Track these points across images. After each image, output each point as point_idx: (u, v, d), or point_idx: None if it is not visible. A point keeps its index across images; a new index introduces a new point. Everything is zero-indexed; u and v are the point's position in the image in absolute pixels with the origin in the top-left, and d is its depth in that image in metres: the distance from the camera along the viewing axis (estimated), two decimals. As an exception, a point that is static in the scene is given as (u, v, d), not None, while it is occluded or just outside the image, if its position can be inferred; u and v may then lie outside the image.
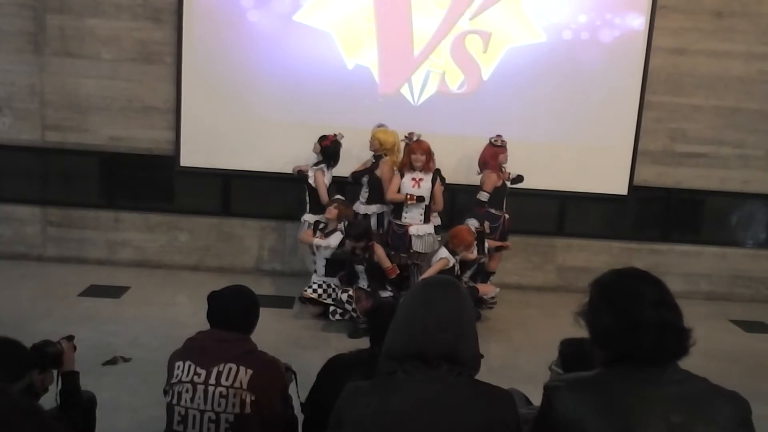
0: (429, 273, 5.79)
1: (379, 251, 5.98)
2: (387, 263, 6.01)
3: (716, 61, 7.28)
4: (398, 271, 6.09)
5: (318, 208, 6.37)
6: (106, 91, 7.10)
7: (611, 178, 7.38)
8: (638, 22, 7.16)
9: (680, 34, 7.22)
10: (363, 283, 6.04)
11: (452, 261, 5.97)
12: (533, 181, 6.89)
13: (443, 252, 6.01)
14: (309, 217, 6.47)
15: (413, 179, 6.20)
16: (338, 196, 6.41)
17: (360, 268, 6.03)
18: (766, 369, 5.54)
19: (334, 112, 7.05)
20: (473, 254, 6.15)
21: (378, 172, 6.37)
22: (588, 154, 7.29)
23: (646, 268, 6.59)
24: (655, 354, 1.84)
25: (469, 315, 2.00)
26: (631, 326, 1.86)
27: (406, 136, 6.33)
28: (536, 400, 3.06)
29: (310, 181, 6.40)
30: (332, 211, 6.11)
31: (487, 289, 6.38)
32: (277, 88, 7.07)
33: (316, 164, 6.42)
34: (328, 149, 6.38)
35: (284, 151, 6.91)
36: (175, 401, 2.82)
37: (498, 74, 7.15)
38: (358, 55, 7.08)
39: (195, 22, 6.98)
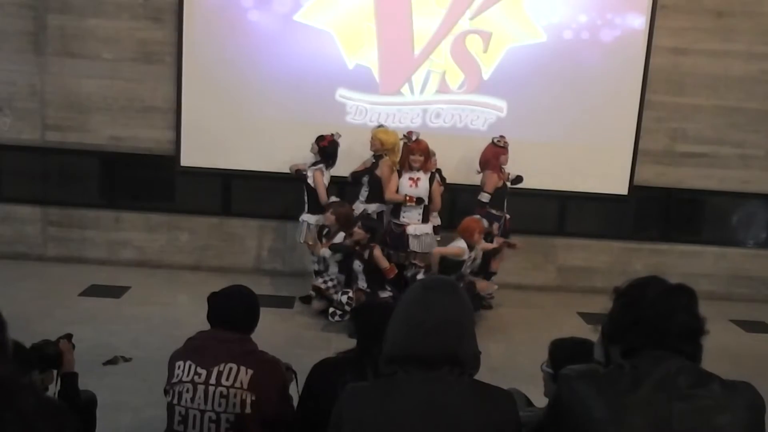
0: (444, 250, 5.94)
1: (377, 252, 5.98)
2: (384, 264, 6.01)
3: (717, 60, 7.28)
4: (396, 272, 6.08)
5: (317, 208, 6.37)
6: (106, 91, 7.10)
7: (612, 178, 7.38)
8: (639, 21, 7.16)
9: (681, 33, 7.22)
10: (362, 283, 6.04)
11: (467, 254, 5.96)
12: (534, 181, 6.89)
13: (461, 242, 6.01)
14: (308, 218, 6.47)
15: (411, 179, 6.19)
16: (333, 199, 6.39)
17: (358, 267, 6.02)
18: (767, 369, 5.55)
19: (334, 112, 7.06)
20: (482, 242, 6.15)
21: (378, 172, 6.37)
22: (588, 154, 7.29)
23: (646, 268, 6.65)
24: (661, 333, 1.86)
25: (468, 315, 2.00)
26: (643, 305, 1.92)
27: (404, 135, 6.33)
28: (536, 399, 3.07)
29: (309, 181, 6.39)
30: (330, 217, 6.09)
31: (485, 286, 6.38)
32: (277, 88, 7.08)
33: (314, 164, 6.41)
34: (327, 149, 6.38)
35: (284, 151, 6.91)
36: (175, 401, 2.82)
37: (498, 74, 7.15)
38: (358, 54, 7.08)
39: (195, 22, 6.99)
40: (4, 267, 6.92)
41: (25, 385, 1.77)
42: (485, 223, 6.20)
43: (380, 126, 6.59)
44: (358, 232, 5.94)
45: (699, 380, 1.85)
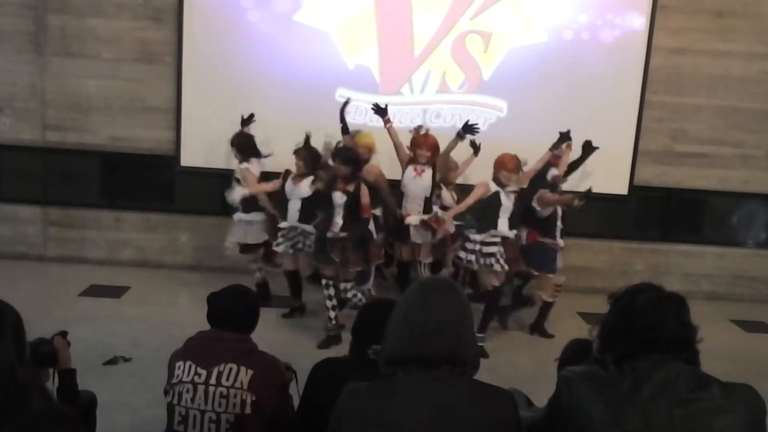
0: (467, 201, 5.71)
1: (364, 190, 5.63)
2: (366, 199, 5.62)
3: (717, 60, 7.28)
4: (372, 212, 5.76)
5: (250, 206, 6.21)
6: (106, 91, 7.11)
7: (612, 178, 7.37)
8: (639, 22, 7.16)
9: (681, 33, 7.22)
10: (338, 219, 5.63)
11: (494, 187, 5.67)
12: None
13: (487, 181, 5.73)
14: (241, 216, 6.27)
15: (415, 169, 6.00)
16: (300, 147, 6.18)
17: (339, 200, 5.61)
18: (767, 369, 5.56)
19: (334, 112, 7.04)
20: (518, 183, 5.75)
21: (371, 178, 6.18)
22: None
23: (647, 268, 6.62)
24: (650, 342, 1.86)
25: (468, 315, 1.99)
26: (636, 313, 1.92)
27: (414, 129, 6.20)
28: (537, 400, 3.07)
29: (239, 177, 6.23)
30: (298, 163, 5.99)
31: (550, 284, 6.12)
32: (277, 88, 7.08)
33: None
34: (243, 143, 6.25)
35: (284, 151, 6.87)
36: (175, 401, 2.82)
37: (498, 74, 7.15)
38: (358, 54, 7.09)
39: (195, 22, 6.99)
40: (4, 267, 6.93)
41: (39, 389, 1.79)
42: (519, 163, 5.76)
43: (357, 132, 6.33)
44: (340, 168, 5.60)
45: (698, 384, 1.85)
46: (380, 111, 6.09)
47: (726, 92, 7.35)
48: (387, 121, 6.09)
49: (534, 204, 5.99)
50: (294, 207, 5.96)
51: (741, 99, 7.36)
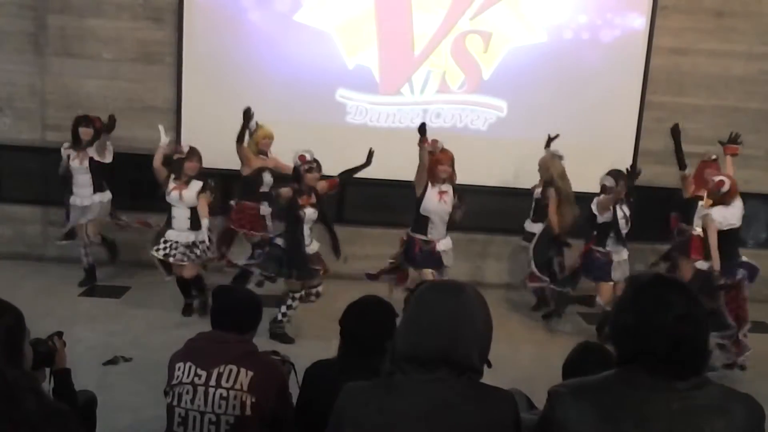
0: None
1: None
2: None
3: (717, 61, 7.28)
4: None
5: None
6: (106, 91, 7.11)
7: (612, 178, 7.36)
8: (639, 22, 7.16)
9: (681, 34, 7.22)
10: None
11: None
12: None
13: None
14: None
15: (439, 193, 5.81)
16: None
17: (313, 217, 5.73)
18: (767, 369, 5.55)
19: (334, 112, 7.06)
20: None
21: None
22: (588, 154, 7.27)
23: (647, 268, 6.56)
24: (666, 364, 1.81)
25: (470, 317, 1.96)
26: (647, 330, 1.82)
27: (429, 145, 5.89)
28: (537, 400, 3.07)
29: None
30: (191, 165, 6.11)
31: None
32: (277, 88, 7.08)
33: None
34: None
35: (284, 151, 6.88)
36: (175, 402, 2.82)
37: (498, 74, 7.15)
38: (358, 54, 7.09)
39: (195, 22, 6.99)
40: (4, 267, 6.93)
41: (32, 389, 1.79)
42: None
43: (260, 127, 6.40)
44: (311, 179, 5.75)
45: (697, 384, 1.83)
46: (421, 129, 5.73)
47: (726, 92, 7.35)
48: (424, 141, 5.71)
49: (594, 209, 6.05)
50: (183, 215, 6.05)
51: (741, 99, 7.36)
